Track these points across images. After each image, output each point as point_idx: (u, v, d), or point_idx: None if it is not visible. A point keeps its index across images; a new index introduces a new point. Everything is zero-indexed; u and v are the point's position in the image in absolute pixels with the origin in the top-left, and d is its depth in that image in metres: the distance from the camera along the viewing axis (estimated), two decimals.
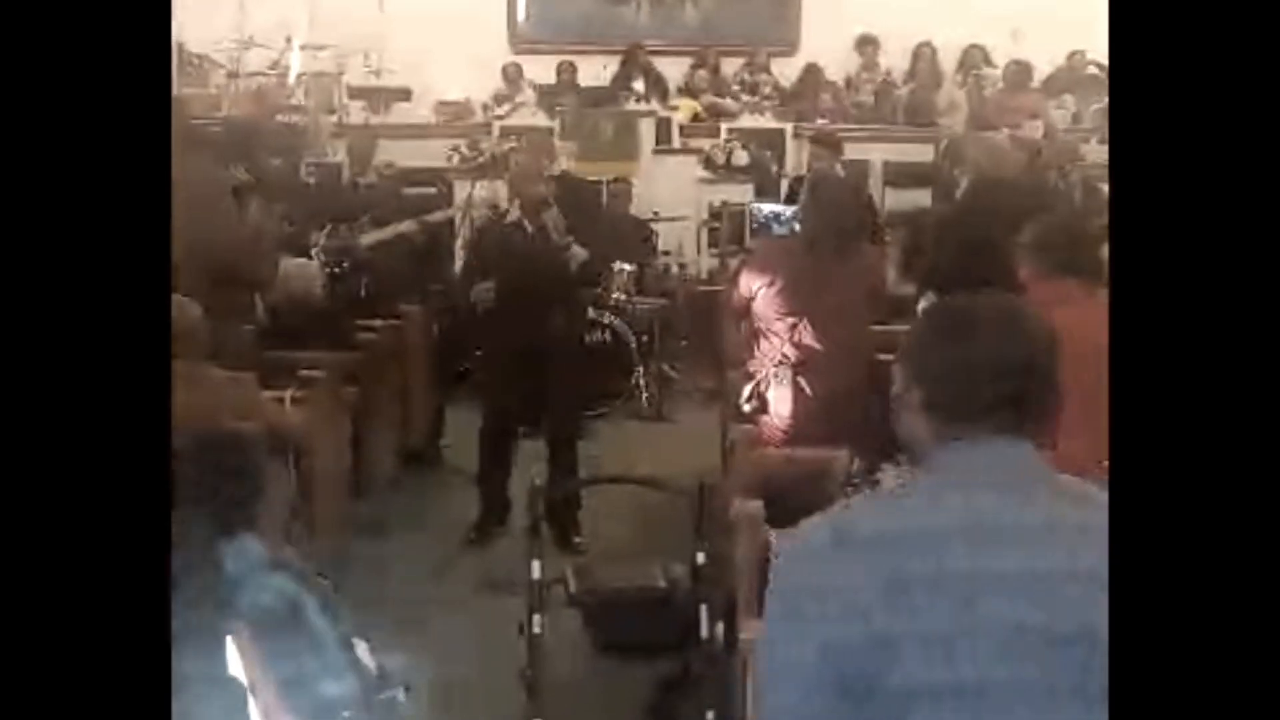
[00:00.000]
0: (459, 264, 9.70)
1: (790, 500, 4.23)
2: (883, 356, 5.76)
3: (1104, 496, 1.95)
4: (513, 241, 6.79)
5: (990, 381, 1.96)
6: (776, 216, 7.69)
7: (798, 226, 6.47)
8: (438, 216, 8.82)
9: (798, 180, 10.29)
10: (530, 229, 6.77)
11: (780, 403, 5.64)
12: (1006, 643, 1.85)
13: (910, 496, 2.03)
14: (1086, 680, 1.84)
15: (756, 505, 4.10)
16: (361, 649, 3.66)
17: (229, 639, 3.30)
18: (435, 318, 8.41)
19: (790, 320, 5.62)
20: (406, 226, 8.18)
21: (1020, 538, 1.90)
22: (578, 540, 6.70)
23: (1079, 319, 4.07)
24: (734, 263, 8.15)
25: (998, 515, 1.92)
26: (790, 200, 8.87)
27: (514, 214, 6.93)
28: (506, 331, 6.78)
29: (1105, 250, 3.52)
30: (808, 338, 5.61)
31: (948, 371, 2.01)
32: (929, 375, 2.03)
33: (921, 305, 4.19)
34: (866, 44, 13.60)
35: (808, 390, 5.60)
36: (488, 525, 6.74)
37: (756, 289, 5.71)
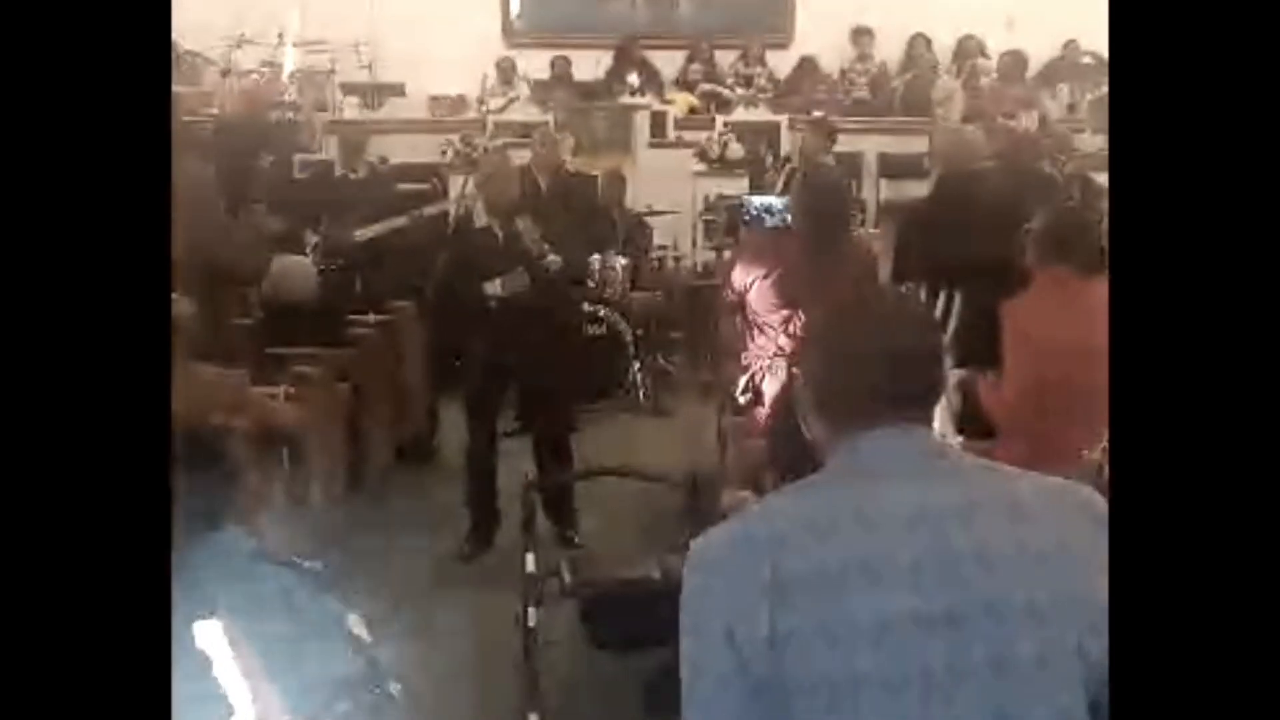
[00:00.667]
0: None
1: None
2: None
3: (1009, 475, 2.01)
4: (488, 247, 6.71)
5: (872, 374, 1.99)
6: (768, 208, 7.66)
7: (788, 219, 6.46)
8: (430, 211, 8.81)
9: (791, 172, 10.32)
10: (500, 235, 6.68)
11: (776, 394, 5.64)
12: (909, 629, 1.85)
13: (805, 492, 2.03)
14: (1002, 656, 1.84)
15: (747, 495, 4.09)
16: (354, 622, 3.66)
17: (222, 629, 3.31)
18: (429, 313, 8.39)
19: (784, 313, 5.62)
20: (399, 222, 8.18)
21: (919, 522, 1.91)
22: (572, 535, 6.69)
23: (1077, 309, 4.08)
24: (727, 255, 8.15)
25: (894, 503, 1.92)
26: (785, 192, 8.86)
27: (482, 220, 6.84)
28: (494, 332, 6.71)
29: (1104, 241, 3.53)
30: (802, 330, 5.60)
31: (830, 370, 2.05)
32: (815, 376, 2.08)
33: None
34: (861, 35, 13.59)
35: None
36: (478, 540, 6.69)
37: (750, 282, 5.70)
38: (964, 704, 1.84)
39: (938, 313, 5.44)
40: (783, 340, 5.63)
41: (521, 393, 6.92)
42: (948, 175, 6.59)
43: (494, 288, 6.54)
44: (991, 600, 1.86)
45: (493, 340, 6.73)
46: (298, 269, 7.40)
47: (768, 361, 5.67)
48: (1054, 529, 1.92)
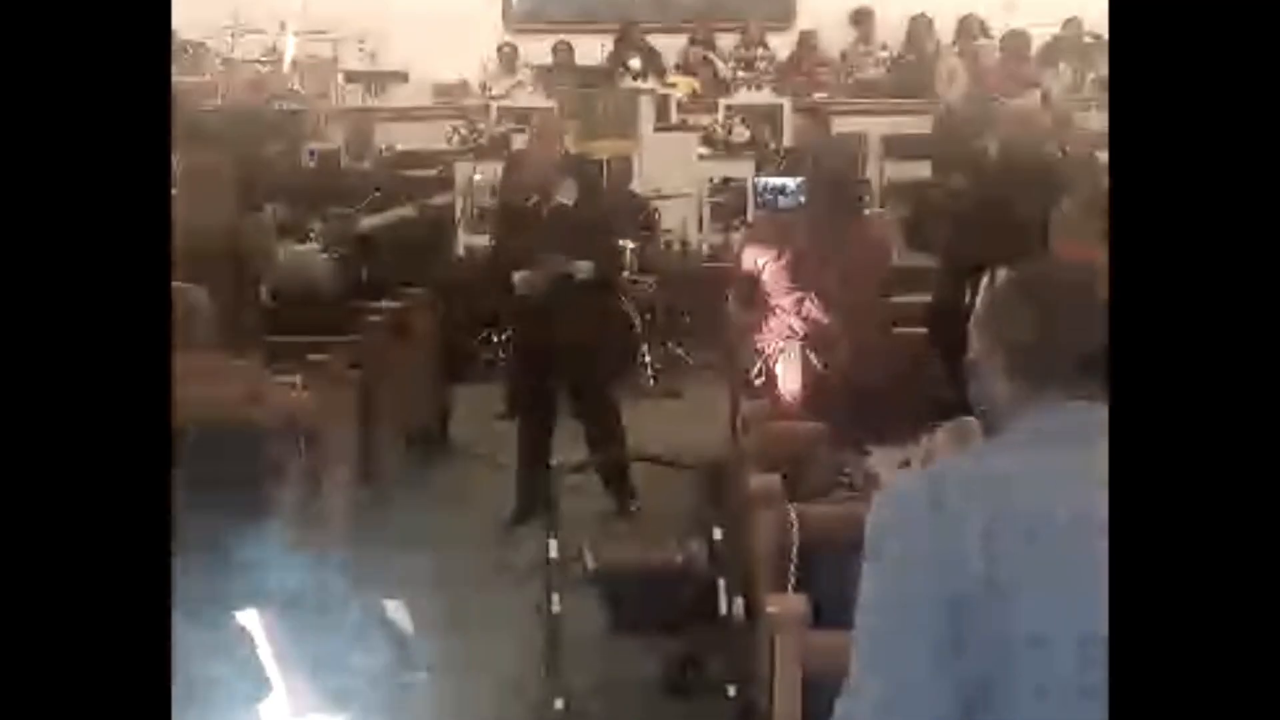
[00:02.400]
0: (461, 248, 9.76)
1: (795, 473, 4.24)
2: (899, 330, 5.77)
3: None
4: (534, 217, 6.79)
5: (1069, 346, 1.99)
6: (781, 189, 7.65)
7: (802, 199, 6.45)
8: (436, 200, 8.82)
9: (790, 153, 10.31)
10: (545, 212, 6.74)
11: (789, 377, 5.63)
12: (1094, 588, 1.82)
13: (999, 451, 2.04)
14: None
15: (775, 479, 4.09)
16: (394, 609, 3.67)
17: (256, 621, 3.31)
18: (441, 300, 8.39)
19: (796, 294, 5.61)
20: (406, 211, 8.17)
21: (1094, 488, 1.87)
22: (635, 507, 6.76)
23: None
24: (737, 238, 8.13)
25: (1083, 466, 1.90)
26: (786, 173, 8.85)
27: (533, 199, 6.90)
28: (536, 314, 6.75)
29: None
30: (814, 311, 5.60)
31: (1029, 336, 2.03)
32: (1009, 340, 2.06)
33: (995, 273, 4.19)
34: (862, 17, 13.56)
35: (816, 364, 5.59)
36: (524, 516, 6.71)
37: (761, 264, 5.69)
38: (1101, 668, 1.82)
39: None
40: (795, 322, 5.62)
41: (561, 379, 6.92)
42: (958, 155, 6.58)
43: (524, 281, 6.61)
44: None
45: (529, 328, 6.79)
46: (307, 258, 7.39)
47: (780, 343, 5.67)
48: None
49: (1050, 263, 2.19)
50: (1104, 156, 7.50)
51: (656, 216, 10.39)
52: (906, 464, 3.75)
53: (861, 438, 3.88)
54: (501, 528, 6.61)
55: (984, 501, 1.89)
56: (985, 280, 3.51)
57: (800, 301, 5.61)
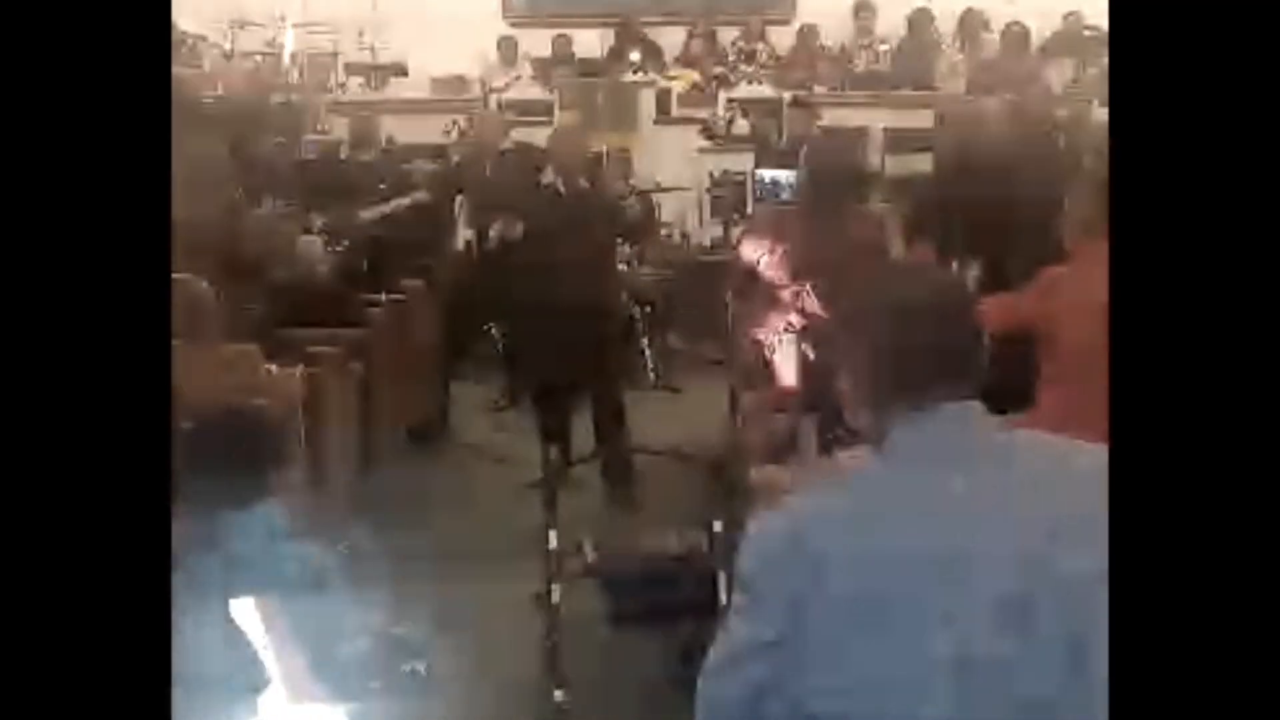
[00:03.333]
0: (461, 240, 9.76)
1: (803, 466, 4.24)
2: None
3: (1063, 448, 2.00)
4: (549, 201, 6.88)
5: (910, 355, 1.95)
6: (780, 182, 7.66)
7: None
8: (435, 192, 8.83)
9: (789, 147, 10.30)
10: (565, 192, 6.82)
11: (786, 369, 5.62)
12: (984, 616, 1.84)
13: (863, 479, 2.02)
14: (1073, 632, 1.83)
15: (780, 470, 4.09)
16: (384, 604, 3.68)
17: (253, 607, 3.31)
18: (441, 289, 8.40)
19: (793, 287, 5.60)
20: (405, 202, 8.18)
21: (975, 506, 1.89)
22: (633, 496, 6.81)
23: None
24: (737, 231, 8.14)
25: (954, 488, 1.90)
26: (783, 166, 8.86)
27: (549, 177, 6.99)
28: (538, 296, 6.82)
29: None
30: (811, 304, 5.58)
31: (860, 359, 2.00)
32: (849, 367, 2.04)
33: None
34: (862, 10, 13.54)
35: (813, 356, 5.58)
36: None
37: (758, 256, 5.69)
38: (1031, 681, 1.83)
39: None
40: (793, 316, 5.61)
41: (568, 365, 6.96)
42: (960, 147, 6.57)
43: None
44: (1064, 576, 1.84)
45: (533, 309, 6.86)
46: (307, 249, 7.39)
47: (779, 336, 5.66)
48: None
49: (865, 280, 2.14)
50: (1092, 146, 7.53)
51: (657, 209, 10.39)
52: None
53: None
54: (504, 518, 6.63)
55: (843, 539, 1.89)
56: None
57: (797, 294, 5.61)
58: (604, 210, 6.95)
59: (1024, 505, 1.89)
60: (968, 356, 1.99)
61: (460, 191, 9.03)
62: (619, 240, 8.38)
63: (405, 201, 8.27)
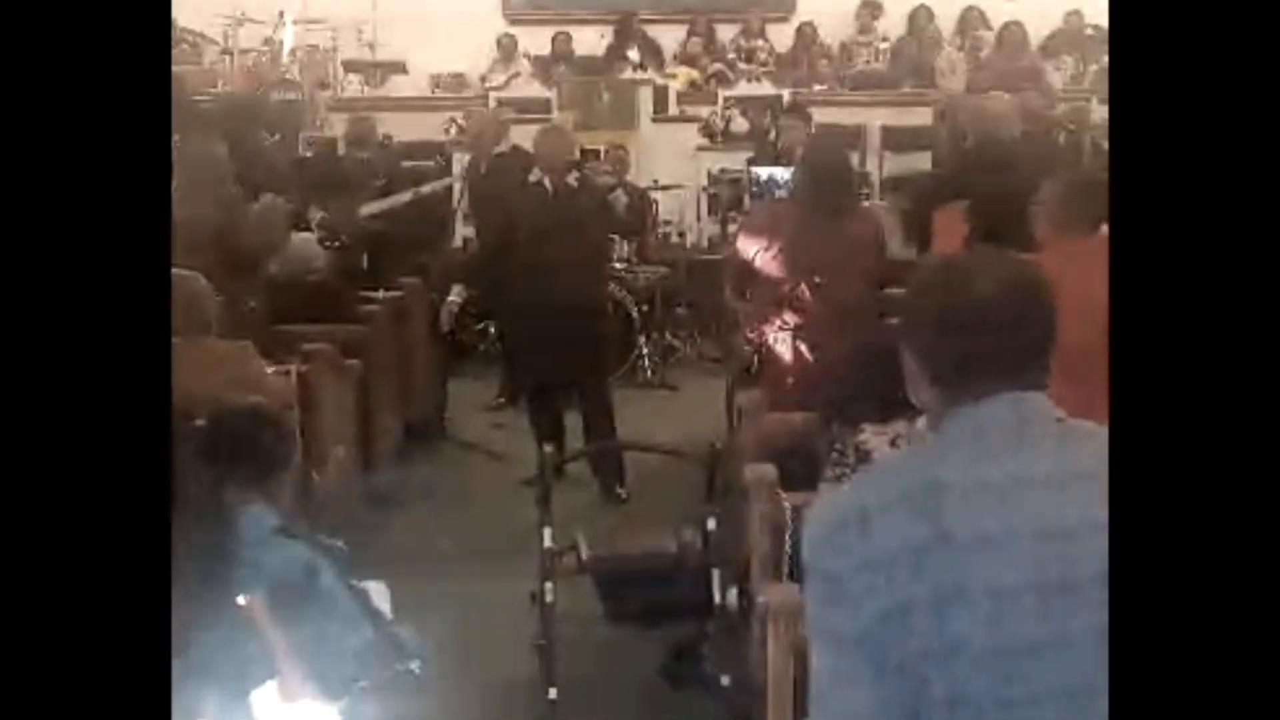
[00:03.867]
0: (459, 237, 9.78)
1: (789, 464, 4.24)
2: (892, 320, 5.75)
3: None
4: (539, 200, 6.90)
5: (986, 336, 1.93)
6: (776, 180, 7.66)
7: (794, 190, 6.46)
8: (434, 186, 8.82)
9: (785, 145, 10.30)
10: (551, 189, 6.87)
11: (780, 367, 5.63)
12: (1026, 598, 1.84)
13: (924, 459, 2.00)
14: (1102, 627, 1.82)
15: (769, 469, 4.08)
16: (377, 594, 3.67)
17: (247, 606, 3.31)
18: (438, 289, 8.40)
19: (788, 284, 5.60)
20: (404, 198, 8.18)
21: (1034, 490, 1.88)
22: (621, 492, 6.82)
23: (1095, 278, 4.05)
24: (734, 229, 8.14)
25: (1010, 470, 1.90)
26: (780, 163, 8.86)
27: (536, 175, 7.01)
28: (532, 295, 6.85)
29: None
30: (807, 302, 5.59)
31: (935, 337, 1.98)
32: (920, 344, 2.02)
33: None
34: (864, 8, 13.54)
35: (807, 353, 5.58)
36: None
37: (753, 253, 5.69)
38: (1069, 669, 1.83)
39: None
40: (787, 314, 5.61)
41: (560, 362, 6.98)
42: (984, 144, 6.56)
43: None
44: (1101, 571, 1.83)
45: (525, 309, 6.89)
46: (304, 246, 7.38)
47: (773, 334, 5.66)
48: None
49: (951, 258, 2.12)
50: (1091, 142, 7.53)
51: (654, 207, 10.39)
52: (898, 439, 3.75)
53: (856, 415, 3.87)
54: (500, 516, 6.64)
55: (911, 515, 1.88)
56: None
57: (792, 292, 5.61)
58: (592, 206, 6.95)
59: (1074, 493, 1.88)
60: (1037, 346, 1.97)
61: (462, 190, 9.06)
62: (614, 236, 8.41)
63: (405, 198, 8.26)
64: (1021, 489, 1.88)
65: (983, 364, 1.94)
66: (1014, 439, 1.92)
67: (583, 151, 9.23)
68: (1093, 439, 1.94)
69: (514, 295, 6.99)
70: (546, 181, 6.89)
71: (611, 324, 8.11)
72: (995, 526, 1.86)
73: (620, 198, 6.87)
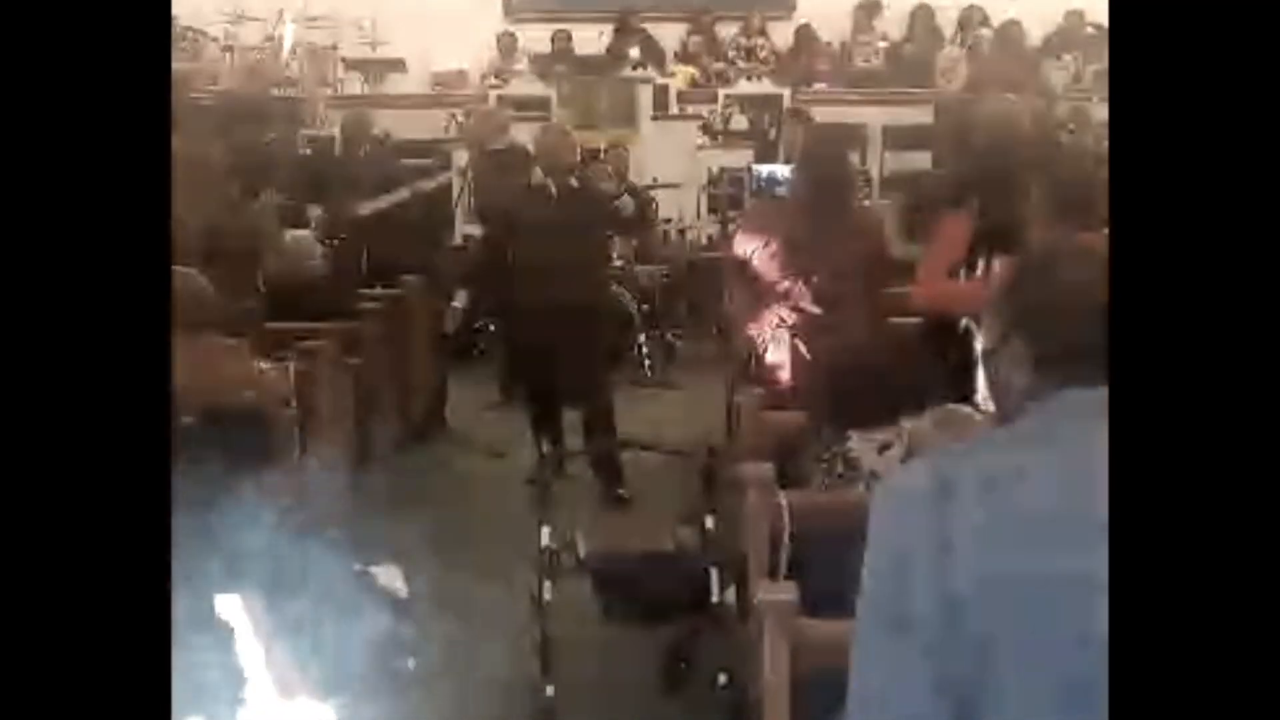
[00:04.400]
0: (458, 235, 9.79)
1: (787, 463, 4.23)
2: (896, 320, 5.75)
3: None
4: (542, 203, 6.91)
5: (1087, 329, 1.90)
6: (776, 178, 7.67)
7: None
8: (433, 183, 8.83)
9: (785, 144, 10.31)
10: (555, 192, 6.89)
11: (778, 366, 5.62)
12: (1097, 590, 1.77)
13: (1010, 441, 1.96)
14: None
15: (766, 467, 4.08)
16: (389, 575, 3.66)
17: (238, 603, 3.30)
18: (438, 288, 8.41)
19: (787, 283, 5.59)
20: (402, 194, 8.18)
21: (1091, 483, 1.82)
22: (622, 493, 6.84)
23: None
24: (732, 228, 8.14)
25: (1097, 460, 1.82)
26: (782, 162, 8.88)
27: (538, 177, 7.04)
28: (536, 297, 6.88)
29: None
30: (805, 300, 5.58)
31: (1049, 318, 1.96)
32: (1031, 322, 1.98)
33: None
34: (863, 7, 13.54)
35: (805, 353, 5.57)
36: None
37: (752, 252, 5.68)
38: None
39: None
40: (784, 311, 5.60)
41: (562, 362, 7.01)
42: (957, 146, 6.54)
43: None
44: None
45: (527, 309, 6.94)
46: (301, 244, 7.38)
47: (771, 331, 5.65)
48: None
49: (1068, 243, 2.09)
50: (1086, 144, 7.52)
51: (654, 208, 10.39)
52: (887, 447, 3.74)
53: (843, 423, 3.86)
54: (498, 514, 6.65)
55: (990, 495, 1.84)
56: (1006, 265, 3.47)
57: (790, 290, 5.60)
58: (596, 209, 6.97)
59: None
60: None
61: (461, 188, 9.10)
62: (614, 235, 8.41)
63: (404, 194, 8.26)
64: (1090, 478, 1.82)
65: (1089, 351, 1.89)
66: (1101, 425, 1.86)
67: (583, 151, 9.27)
68: None
69: (518, 297, 7.01)
70: (550, 184, 6.90)
71: (612, 323, 8.12)
72: (1072, 513, 1.82)
73: (628, 203, 6.89)
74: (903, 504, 1.90)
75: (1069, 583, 1.79)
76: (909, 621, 1.83)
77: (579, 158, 7.35)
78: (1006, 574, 1.80)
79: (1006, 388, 2.02)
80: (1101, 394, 1.87)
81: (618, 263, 9.22)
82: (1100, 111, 9.91)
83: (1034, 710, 1.80)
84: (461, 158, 10.19)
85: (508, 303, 7.34)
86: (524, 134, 8.56)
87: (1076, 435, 1.89)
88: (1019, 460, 1.88)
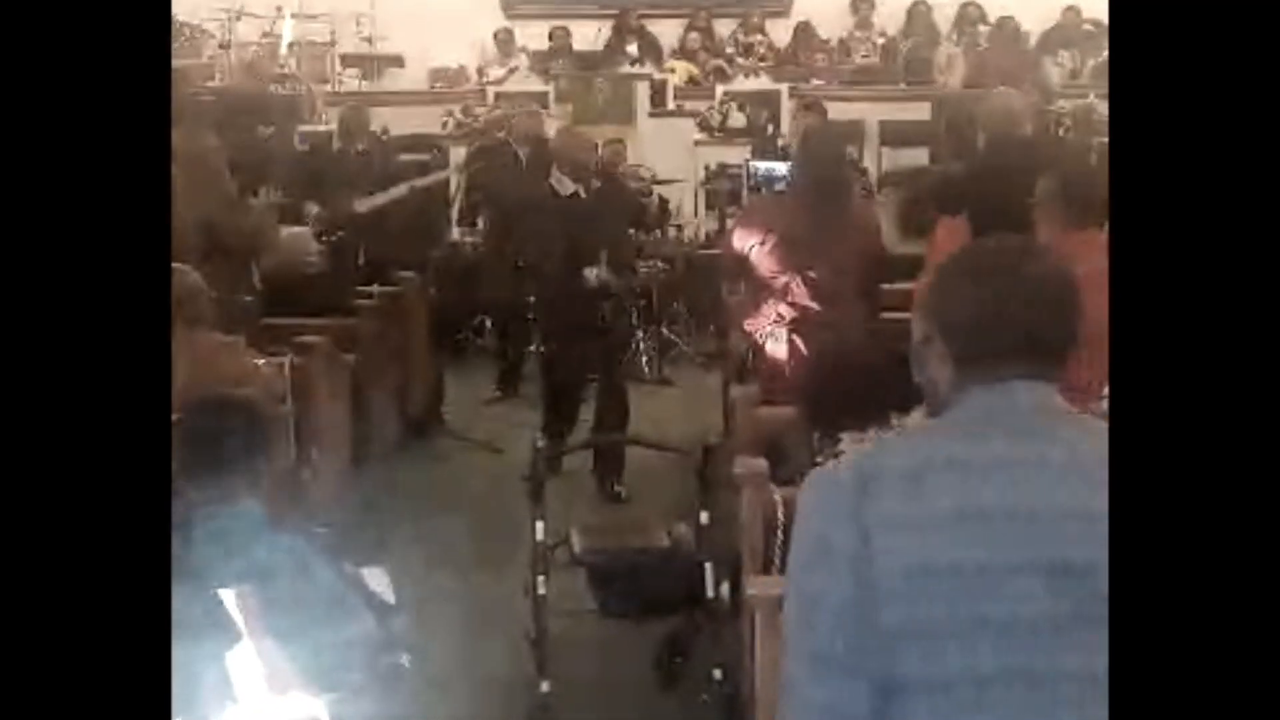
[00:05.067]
0: (455, 232, 9.80)
1: (781, 458, 4.24)
2: (889, 315, 5.75)
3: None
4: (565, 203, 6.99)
5: (1009, 325, 1.94)
6: (774, 174, 7.67)
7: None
8: (430, 180, 8.83)
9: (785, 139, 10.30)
10: (564, 191, 6.96)
11: (775, 361, 5.62)
12: (1028, 578, 1.84)
13: (931, 436, 2.01)
14: (1099, 612, 1.81)
15: (760, 463, 4.08)
16: (377, 578, 3.66)
17: (234, 601, 3.30)
18: (435, 284, 8.42)
19: (784, 279, 5.59)
20: (399, 192, 8.18)
21: (1037, 476, 1.88)
22: (620, 490, 6.86)
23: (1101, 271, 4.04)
24: (730, 222, 8.14)
25: (1015, 454, 1.90)
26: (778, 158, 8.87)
27: (556, 176, 7.10)
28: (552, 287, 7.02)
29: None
30: (801, 296, 5.58)
31: (967, 317, 1.98)
32: (949, 322, 2.01)
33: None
34: (861, 3, 13.53)
35: (802, 348, 5.57)
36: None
37: (749, 247, 5.68)
38: (1062, 653, 1.83)
39: None
40: (781, 307, 5.60)
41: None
42: (955, 142, 6.53)
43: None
44: (1092, 559, 1.83)
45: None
46: (298, 240, 7.37)
47: (768, 327, 5.65)
48: None
49: (995, 242, 2.13)
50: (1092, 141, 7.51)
51: (670, 209, 10.42)
52: None
53: (834, 422, 3.86)
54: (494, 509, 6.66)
55: (913, 490, 1.88)
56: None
57: (786, 286, 5.59)
58: (621, 207, 7.02)
59: (1079, 482, 1.88)
60: (1060, 340, 1.98)
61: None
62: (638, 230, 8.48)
63: (401, 191, 8.25)
64: (1027, 471, 1.89)
65: (1006, 350, 1.94)
66: (1024, 422, 1.93)
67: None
68: (1101, 433, 1.95)
69: (548, 293, 7.11)
70: (570, 183, 6.94)
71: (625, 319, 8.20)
72: (996, 505, 1.86)
73: (654, 201, 7.03)
74: (824, 495, 1.95)
75: (990, 570, 1.83)
76: (828, 607, 1.87)
77: (597, 157, 7.38)
78: (927, 563, 1.84)
79: (933, 384, 2.05)
80: (1018, 389, 1.93)
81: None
82: (1099, 108, 9.92)
83: (955, 695, 1.84)
84: (459, 154, 10.20)
85: (544, 303, 7.41)
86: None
87: (998, 429, 1.93)
88: (943, 453, 1.92)
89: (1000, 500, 1.87)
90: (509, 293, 8.28)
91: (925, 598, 1.83)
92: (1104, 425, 1.96)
